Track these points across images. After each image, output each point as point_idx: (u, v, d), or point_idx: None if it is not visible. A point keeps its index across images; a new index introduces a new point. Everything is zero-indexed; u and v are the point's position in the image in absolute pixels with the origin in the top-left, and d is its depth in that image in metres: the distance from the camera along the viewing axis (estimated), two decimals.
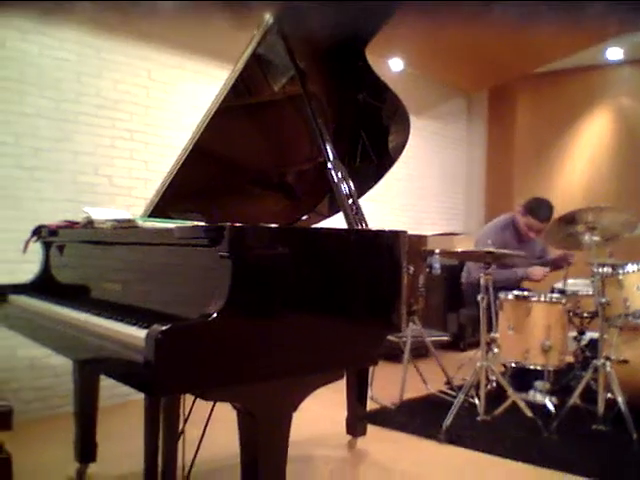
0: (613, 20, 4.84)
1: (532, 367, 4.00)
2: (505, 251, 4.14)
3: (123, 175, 4.58)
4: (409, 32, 5.33)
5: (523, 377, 4.31)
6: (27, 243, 2.88)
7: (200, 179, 3.03)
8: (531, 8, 4.68)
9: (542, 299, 4.05)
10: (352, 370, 3.15)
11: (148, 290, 2.18)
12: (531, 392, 4.21)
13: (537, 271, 4.65)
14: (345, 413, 3.50)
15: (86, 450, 3.04)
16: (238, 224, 1.80)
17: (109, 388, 3.36)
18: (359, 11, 2.86)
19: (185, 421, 2.48)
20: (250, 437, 1.90)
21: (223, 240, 1.77)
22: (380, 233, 2.28)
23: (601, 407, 3.68)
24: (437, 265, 5.61)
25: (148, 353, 1.61)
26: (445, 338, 5.37)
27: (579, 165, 7.41)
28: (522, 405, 3.76)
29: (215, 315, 1.68)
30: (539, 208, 4.73)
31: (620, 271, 3.95)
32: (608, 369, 3.65)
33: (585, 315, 4.42)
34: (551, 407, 3.89)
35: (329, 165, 2.67)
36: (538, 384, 4.23)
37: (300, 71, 2.80)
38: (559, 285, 4.70)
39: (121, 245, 2.39)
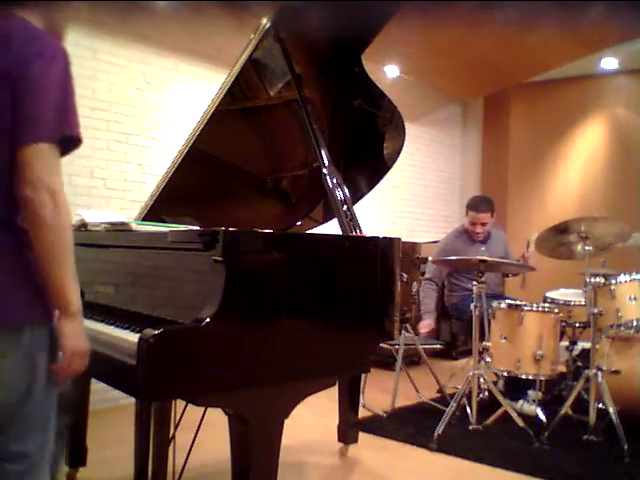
0: (614, 22, 4.84)
1: (524, 377, 4.00)
2: (497, 260, 4.15)
3: (118, 178, 4.57)
4: (405, 38, 5.34)
5: (515, 386, 4.31)
6: None
7: (195, 183, 3.02)
8: (531, 9, 4.69)
9: (535, 308, 4.05)
10: (344, 377, 3.14)
11: (141, 294, 2.18)
12: (523, 402, 4.21)
13: (422, 324, 4.71)
14: (337, 420, 3.49)
15: (76, 454, 3.02)
16: (232, 229, 1.79)
17: (100, 392, 3.34)
18: (357, 14, 2.86)
19: (176, 426, 2.47)
20: (241, 443, 1.89)
21: (217, 245, 1.77)
22: (374, 240, 2.28)
23: (592, 417, 3.67)
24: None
25: (140, 357, 1.61)
26: (438, 346, 5.35)
27: (573, 174, 7.43)
28: (514, 414, 3.75)
29: (208, 320, 1.68)
30: (474, 201, 5.01)
31: (612, 281, 3.95)
32: (600, 379, 3.65)
33: (577, 325, 4.42)
34: (542, 417, 3.88)
35: (324, 171, 2.67)
36: (530, 394, 4.23)
37: (296, 75, 2.80)
38: (551, 294, 4.71)
39: (114, 248, 2.38)
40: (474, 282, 3.94)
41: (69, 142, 1.49)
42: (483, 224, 4.84)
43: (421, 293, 4.94)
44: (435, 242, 6.63)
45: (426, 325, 4.67)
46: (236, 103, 2.94)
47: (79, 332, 1.51)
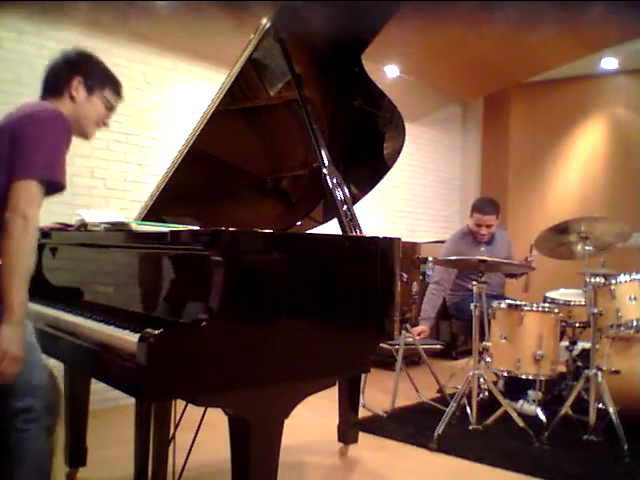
0: (614, 22, 4.84)
1: (524, 377, 3.99)
2: (497, 260, 4.15)
3: (118, 178, 4.57)
4: (405, 38, 5.34)
5: (515, 386, 4.31)
6: None
7: (195, 183, 3.02)
8: (531, 9, 4.68)
9: (535, 308, 4.04)
10: (344, 377, 3.14)
11: (141, 294, 2.17)
12: (523, 402, 4.21)
13: (415, 329, 4.68)
14: (337, 420, 3.49)
15: (76, 454, 3.02)
16: (232, 229, 1.79)
17: (100, 392, 3.34)
18: (357, 14, 2.86)
19: (176, 426, 2.47)
20: (241, 443, 1.89)
21: (217, 244, 1.76)
22: (374, 240, 2.28)
23: (592, 417, 3.67)
24: (430, 273, 5.61)
25: (140, 358, 1.60)
26: (438, 346, 5.35)
27: (573, 174, 7.43)
28: (514, 414, 3.75)
29: (208, 320, 1.68)
30: (479, 202, 4.99)
31: (612, 281, 3.95)
32: (600, 379, 3.65)
33: (577, 325, 4.42)
34: (542, 417, 3.88)
35: (324, 171, 2.67)
36: (530, 394, 4.23)
37: (296, 75, 2.80)
38: (551, 294, 4.70)
39: (114, 248, 2.38)
40: (474, 282, 3.94)
41: (55, 186, 1.93)
42: (488, 226, 4.83)
43: (425, 298, 4.91)
44: (435, 242, 6.65)
45: (420, 331, 4.67)
46: (236, 103, 2.94)
47: (16, 338, 1.79)
